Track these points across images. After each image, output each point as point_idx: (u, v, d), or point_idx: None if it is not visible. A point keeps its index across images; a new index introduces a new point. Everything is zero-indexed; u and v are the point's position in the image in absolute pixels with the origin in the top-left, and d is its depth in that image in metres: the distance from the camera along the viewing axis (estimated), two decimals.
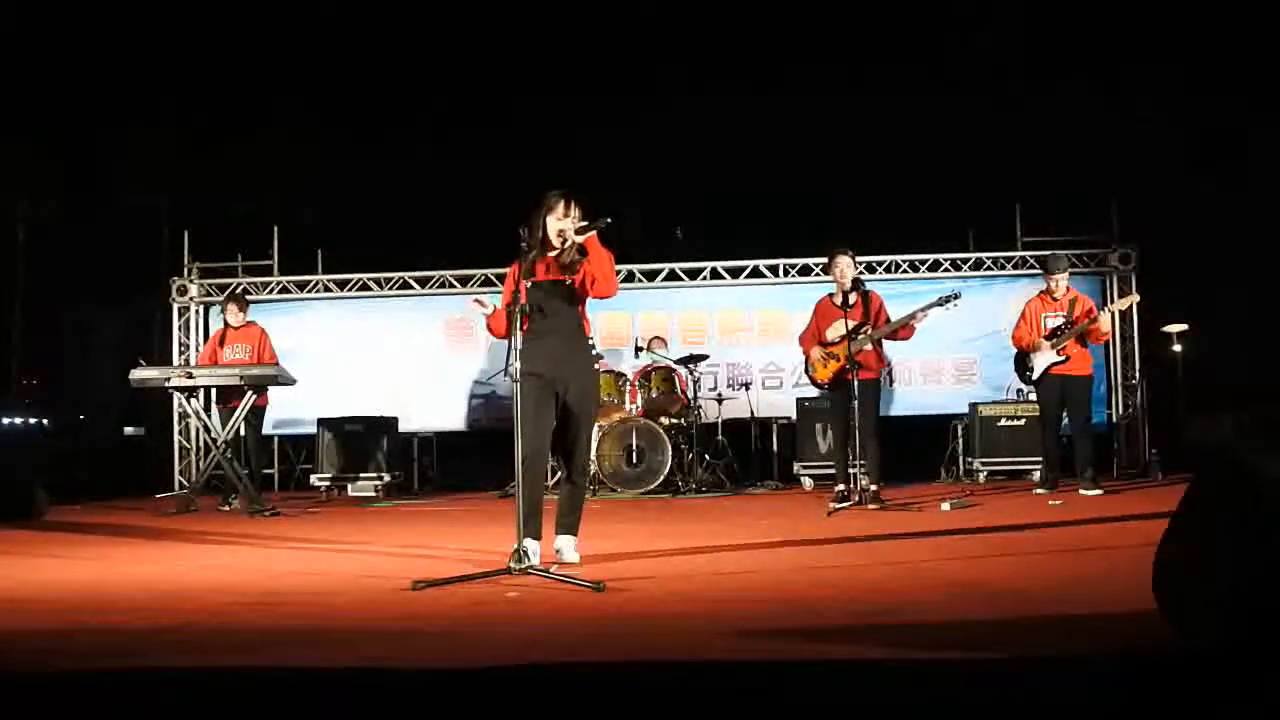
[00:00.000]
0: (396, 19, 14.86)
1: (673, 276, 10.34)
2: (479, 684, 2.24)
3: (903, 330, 6.91)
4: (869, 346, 6.84)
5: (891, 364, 9.94)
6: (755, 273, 10.25)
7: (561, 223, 4.18)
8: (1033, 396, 8.70)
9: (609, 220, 4.14)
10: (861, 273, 9.83)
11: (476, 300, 4.42)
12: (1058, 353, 7.40)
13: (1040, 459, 8.44)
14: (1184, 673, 2.13)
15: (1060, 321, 7.46)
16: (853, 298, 6.80)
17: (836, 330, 6.94)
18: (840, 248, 7.03)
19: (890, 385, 9.90)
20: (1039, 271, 9.91)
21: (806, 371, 7.36)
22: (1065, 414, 7.64)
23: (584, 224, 4.15)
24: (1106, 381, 9.83)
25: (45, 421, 18.97)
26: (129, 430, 15.09)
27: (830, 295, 7.24)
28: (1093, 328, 7.35)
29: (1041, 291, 7.72)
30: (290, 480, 10.26)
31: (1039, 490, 7.56)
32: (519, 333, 3.94)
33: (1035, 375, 7.56)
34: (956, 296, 6.97)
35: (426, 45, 14.97)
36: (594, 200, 4.31)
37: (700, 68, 14.89)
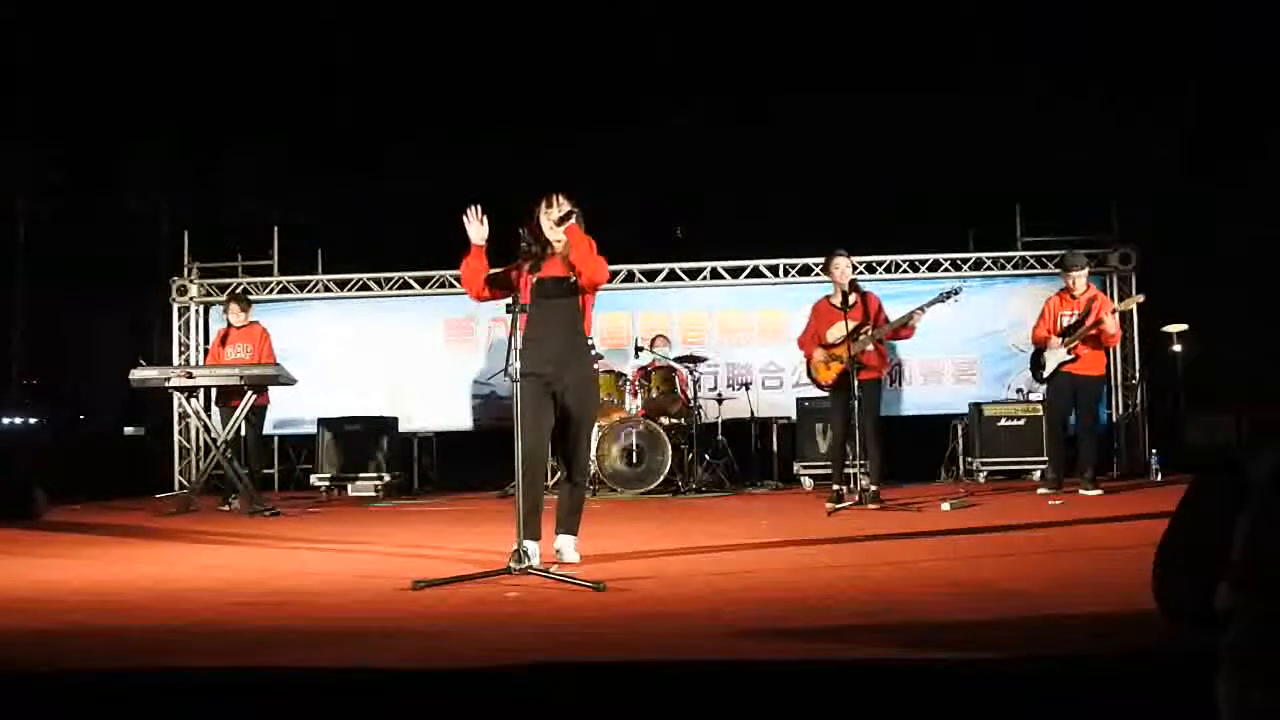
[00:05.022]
0: (396, 20, 14.87)
1: (673, 276, 10.33)
2: (479, 684, 2.24)
3: (904, 329, 6.92)
4: (870, 347, 6.85)
5: (901, 363, 9.95)
6: (755, 273, 10.24)
7: (546, 216, 4.25)
8: (1033, 397, 8.72)
9: (575, 211, 4.20)
10: (861, 273, 9.87)
11: (472, 212, 4.29)
12: (1068, 351, 7.39)
13: (1043, 459, 8.53)
14: (1184, 673, 2.13)
15: (1076, 320, 7.43)
16: (852, 298, 6.81)
17: (837, 332, 6.94)
18: (836, 249, 7.06)
19: (891, 385, 9.89)
20: (1039, 271, 9.93)
21: (809, 373, 7.36)
22: (1074, 414, 7.62)
23: (560, 216, 4.20)
24: (1107, 382, 9.81)
25: (45, 421, 18.97)
26: (129, 430, 15.09)
27: (828, 297, 7.24)
28: (1100, 329, 7.33)
29: (1061, 290, 7.69)
30: (290, 480, 10.25)
31: (1043, 490, 7.58)
32: (519, 332, 3.94)
33: (1046, 373, 7.55)
34: (957, 291, 6.99)
35: (426, 45, 14.98)
36: (594, 199, 4.36)
37: (700, 68, 14.90)
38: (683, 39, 14.73)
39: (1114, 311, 7.43)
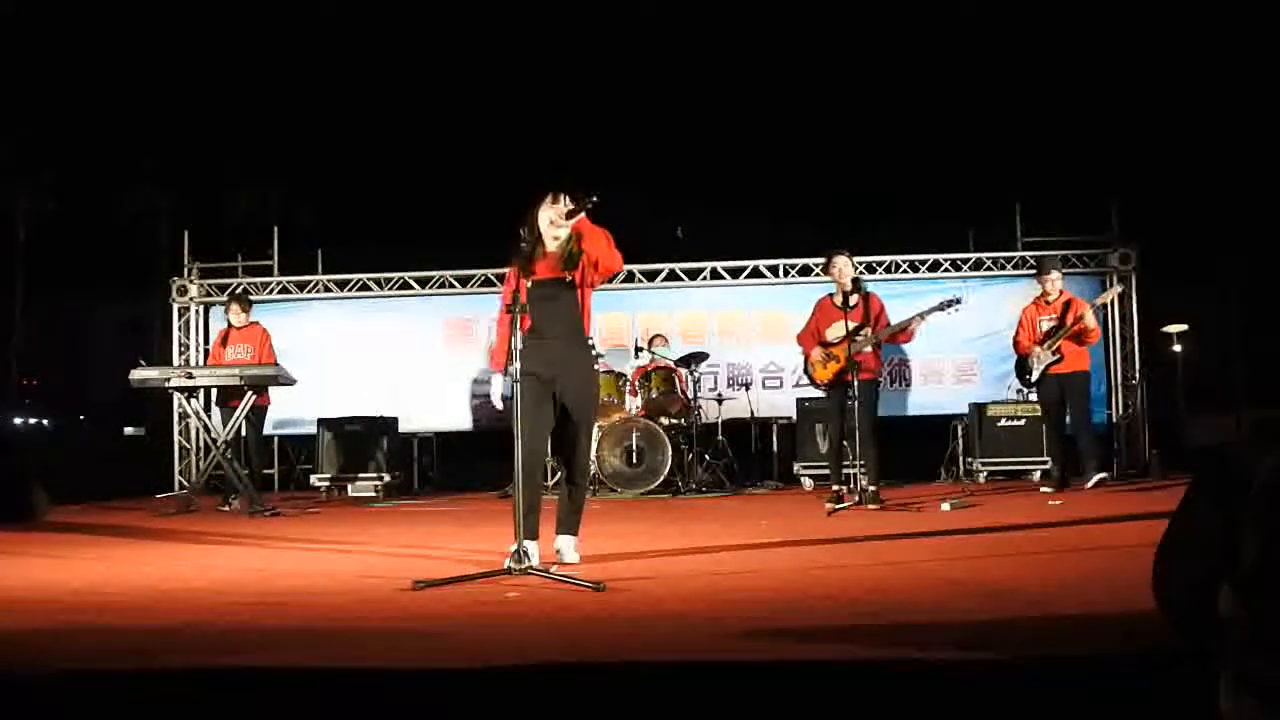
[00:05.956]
0: (398, 20, 14.87)
1: (673, 276, 10.34)
2: (479, 684, 2.24)
3: (902, 335, 6.95)
4: (869, 348, 6.84)
5: (902, 363, 9.96)
6: (755, 273, 10.24)
7: (549, 211, 4.19)
8: (1033, 397, 8.76)
9: (594, 199, 4.11)
10: (862, 273, 9.87)
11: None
12: (1052, 353, 7.53)
13: (1043, 459, 8.64)
14: (1184, 673, 2.13)
15: (1054, 324, 7.61)
16: (854, 299, 6.81)
17: (836, 331, 6.93)
18: (836, 249, 7.07)
19: (892, 386, 9.90)
20: None
21: (805, 371, 7.37)
22: (1067, 412, 7.75)
23: (570, 208, 4.15)
24: (1106, 381, 9.83)
25: (45, 421, 18.98)
26: (129, 430, 15.10)
27: (831, 295, 7.24)
28: (1078, 327, 7.48)
29: (1036, 297, 7.86)
30: (290, 480, 10.25)
31: (1045, 488, 7.67)
32: (519, 332, 3.93)
33: (1034, 377, 7.71)
34: (958, 301, 7.00)
35: (426, 45, 14.99)
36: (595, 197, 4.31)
37: (701, 68, 14.90)
38: (684, 37, 14.73)
39: (1092, 306, 7.58)
